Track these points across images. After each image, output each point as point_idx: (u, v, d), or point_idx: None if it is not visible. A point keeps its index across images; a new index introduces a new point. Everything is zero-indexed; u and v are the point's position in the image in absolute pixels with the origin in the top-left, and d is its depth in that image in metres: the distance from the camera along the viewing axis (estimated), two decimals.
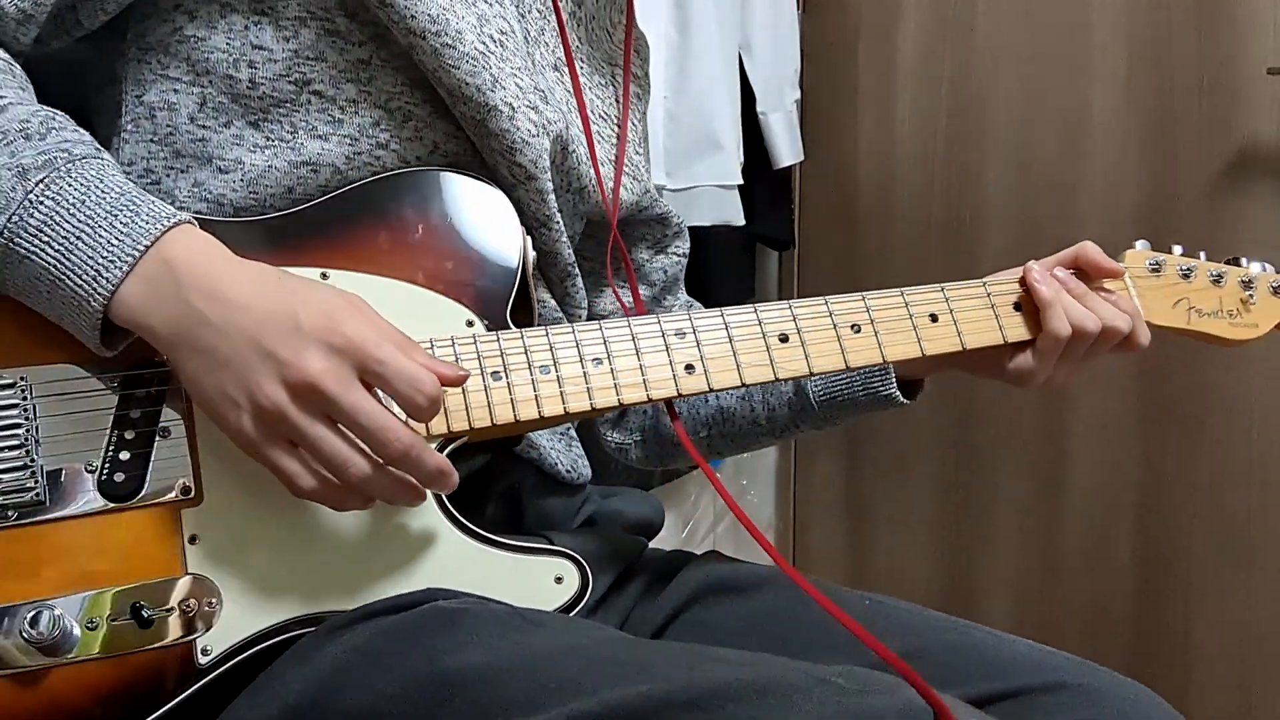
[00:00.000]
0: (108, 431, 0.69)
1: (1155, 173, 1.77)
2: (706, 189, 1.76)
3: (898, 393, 0.92)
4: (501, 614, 0.68)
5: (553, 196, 0.83)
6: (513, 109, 0.79)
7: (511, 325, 0.77)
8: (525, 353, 0.74)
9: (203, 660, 0.68)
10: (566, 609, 0.73)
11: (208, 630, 0.68)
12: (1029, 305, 0.87)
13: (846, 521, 2.18)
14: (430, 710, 0.62)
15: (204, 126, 0.78)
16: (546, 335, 0.75)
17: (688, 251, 1.04)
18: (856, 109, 2.07)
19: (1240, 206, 1.69)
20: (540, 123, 0.81)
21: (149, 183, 0.78)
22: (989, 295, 0.87)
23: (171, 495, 0.69)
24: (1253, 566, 1.72)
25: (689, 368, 0.77)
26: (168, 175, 0.78)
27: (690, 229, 1.46)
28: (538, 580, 0.73)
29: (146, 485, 0.69)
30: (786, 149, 1.96)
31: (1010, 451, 1.94)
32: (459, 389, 0.71)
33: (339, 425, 0.64)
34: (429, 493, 0.69)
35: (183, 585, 0.68)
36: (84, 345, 0.67)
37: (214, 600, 0.68)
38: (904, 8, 1.99)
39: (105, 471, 0.68)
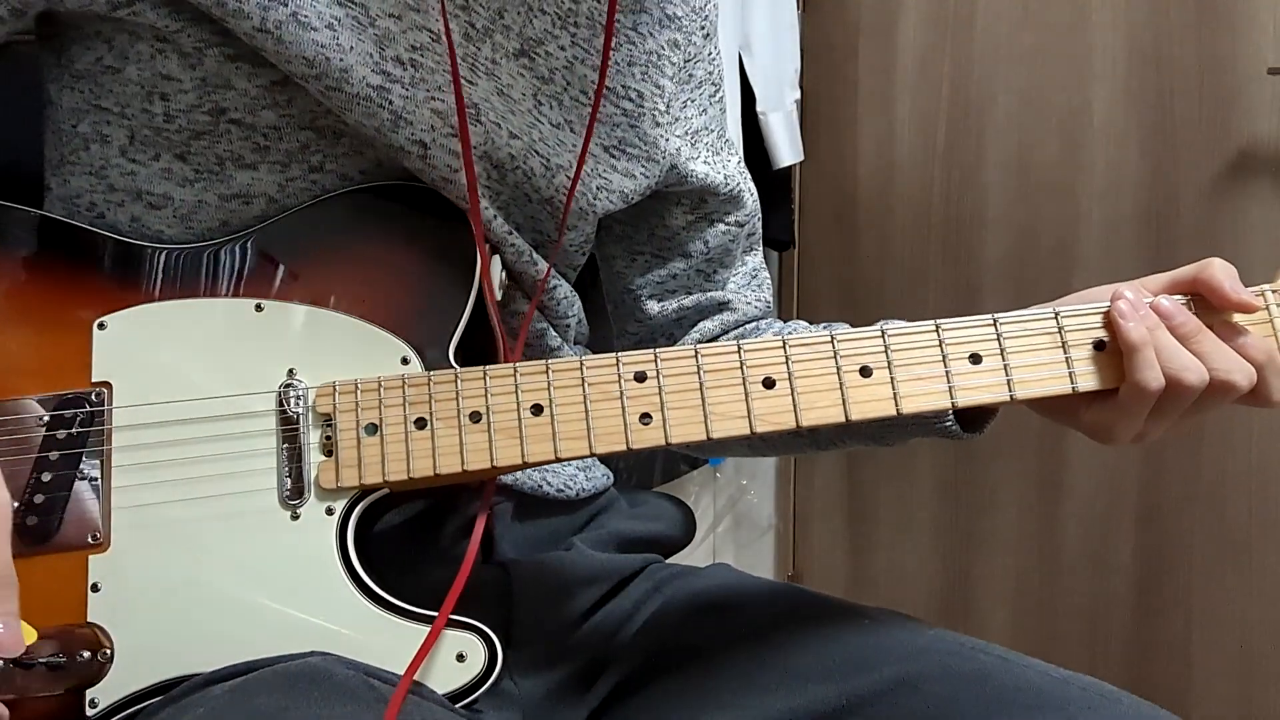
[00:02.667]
0: (27, 474, 0.67)
1: (1155, 173, 1.76)
2: None
3: (955, 425, 0.77)
4: (350, 686, 0.62)
5: (499, 220, 0.77)
6: (424, 146, 0.71)
7: (453, 362, 0.70)
8: (457, 398, 0.68)
9: (90, 712, 0.65)
10: (467, 691, 0.66)
11: (98, 682, 0.66)
12: (1116, 344, 0.69)
13: (846, 521, 2.18)
14: None
15: (134, 160, 0.73)
16: (484, 378, 0.68)
17: (746, 219, 0.92)
18: (856, 109, 2.06)
19: (1240, 206, 1.69)
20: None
21: (94, 216, 0.74)
22: (1061, 330, 0.69)
23: (81, 541, 0.67)
24: (1253, 568, 1.71)
25: (645, 418, 0.68)
26: (109, 209, 0.74)
27: None
28: (438, 656, 0.66)
29: (60, 530, 0.67)
30: (786, 149, 1.95)
31: (1010, 452, 1.94)
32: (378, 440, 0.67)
33: None
34: (334, 548, 0.67)
35: (81, 634, 0.66)
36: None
37: (108, 651, 0.66)
38: (904, 8, 1.99)
39: (20, 514, 0.66)
